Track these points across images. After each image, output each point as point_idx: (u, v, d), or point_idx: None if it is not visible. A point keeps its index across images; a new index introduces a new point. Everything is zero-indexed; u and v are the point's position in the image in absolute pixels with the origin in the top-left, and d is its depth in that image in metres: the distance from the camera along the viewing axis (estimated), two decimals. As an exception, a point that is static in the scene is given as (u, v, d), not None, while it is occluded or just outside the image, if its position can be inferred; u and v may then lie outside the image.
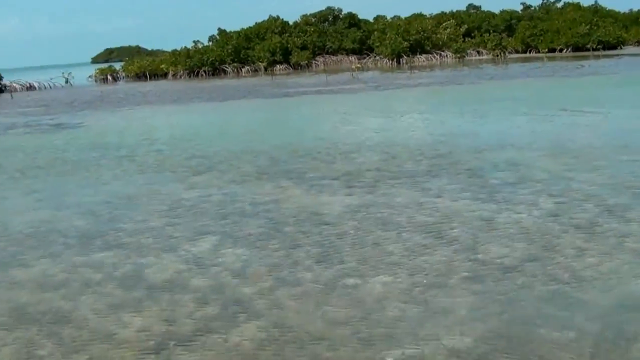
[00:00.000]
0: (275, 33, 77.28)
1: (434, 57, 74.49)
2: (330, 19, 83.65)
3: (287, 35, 77.37)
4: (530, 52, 78.78)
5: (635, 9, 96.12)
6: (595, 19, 78.70)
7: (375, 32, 76.30)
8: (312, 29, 79.62)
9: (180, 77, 74.48)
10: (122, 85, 71.00)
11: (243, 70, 74.81)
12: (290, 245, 8.62)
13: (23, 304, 7.11)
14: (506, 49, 73.55)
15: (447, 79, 41.89)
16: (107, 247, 9.09)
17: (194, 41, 78.97)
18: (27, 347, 6.03)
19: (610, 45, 76.24)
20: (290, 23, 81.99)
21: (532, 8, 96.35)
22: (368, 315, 6.28)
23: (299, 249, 8.43)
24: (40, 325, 6.50)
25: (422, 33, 73.30)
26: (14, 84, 69.91)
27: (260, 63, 74.55)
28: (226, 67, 75.28)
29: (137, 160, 16.61)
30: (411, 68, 60.16)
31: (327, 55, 79.11)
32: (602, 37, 75.31)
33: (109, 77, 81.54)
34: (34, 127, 27.44)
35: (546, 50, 74.15)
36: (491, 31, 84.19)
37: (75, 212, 11.24)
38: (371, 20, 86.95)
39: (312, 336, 5.93)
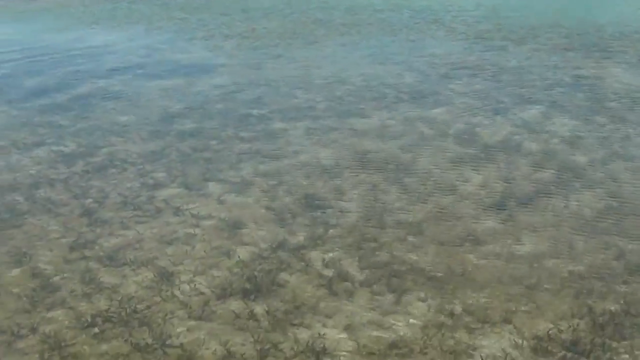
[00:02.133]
0: None
1: None
2: None
3: None
4: None
5: None
6: None
7: None
8: None
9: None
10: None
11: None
12: (617, 121, 8.48)
13: (366, 150, 7.65)
14: None
15: None
16: (438, 104, 9.43)
17: None
18: (374, 192, 6.50)
19: None
20: None
21: None
22: None
23: (626, 125, 8.30)
24: (384, 172, 6.98)
25: None
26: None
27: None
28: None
29: (447, 25, 16.72)
30: None
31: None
32: None
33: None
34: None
35: None
36: None
37: (402, 68, 11.72)
38: None
39: (651, 211, 5.86)
